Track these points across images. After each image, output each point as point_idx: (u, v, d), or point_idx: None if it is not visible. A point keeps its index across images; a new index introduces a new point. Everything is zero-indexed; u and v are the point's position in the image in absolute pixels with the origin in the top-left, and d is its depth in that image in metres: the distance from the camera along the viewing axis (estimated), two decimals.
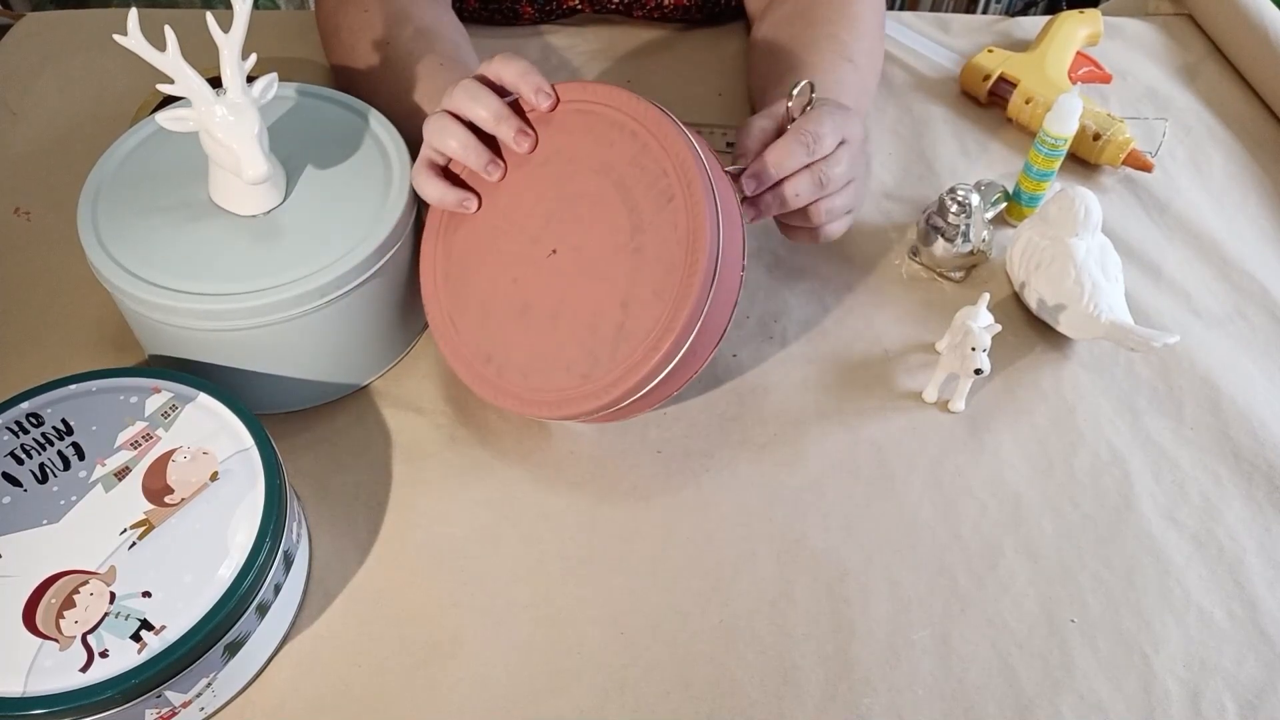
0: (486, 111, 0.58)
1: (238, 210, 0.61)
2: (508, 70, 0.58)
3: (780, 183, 0.60)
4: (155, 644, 0.47)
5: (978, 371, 0.61)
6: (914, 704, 0.53)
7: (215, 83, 0.57)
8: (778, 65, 0.74)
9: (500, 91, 0.59)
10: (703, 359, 0.58)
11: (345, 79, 0.75)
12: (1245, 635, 0.56)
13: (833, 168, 0.60)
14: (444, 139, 0.59)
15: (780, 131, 0.62)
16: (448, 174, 0.61)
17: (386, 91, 0.71)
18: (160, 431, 0.54)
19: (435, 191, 0.60)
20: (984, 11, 1.62)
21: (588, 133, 0.58)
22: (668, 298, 0.53)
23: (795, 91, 0.61)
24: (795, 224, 0.64)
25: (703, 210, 0.53)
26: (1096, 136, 0.79)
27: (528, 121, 0.59)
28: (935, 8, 1.67)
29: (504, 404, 0.58)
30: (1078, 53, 0.87)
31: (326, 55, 0.79)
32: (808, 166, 0.60)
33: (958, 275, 0.73)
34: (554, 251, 0.57)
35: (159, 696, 0.48)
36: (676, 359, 0.54)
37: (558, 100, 0.58)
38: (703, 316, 0.54)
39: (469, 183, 0.61)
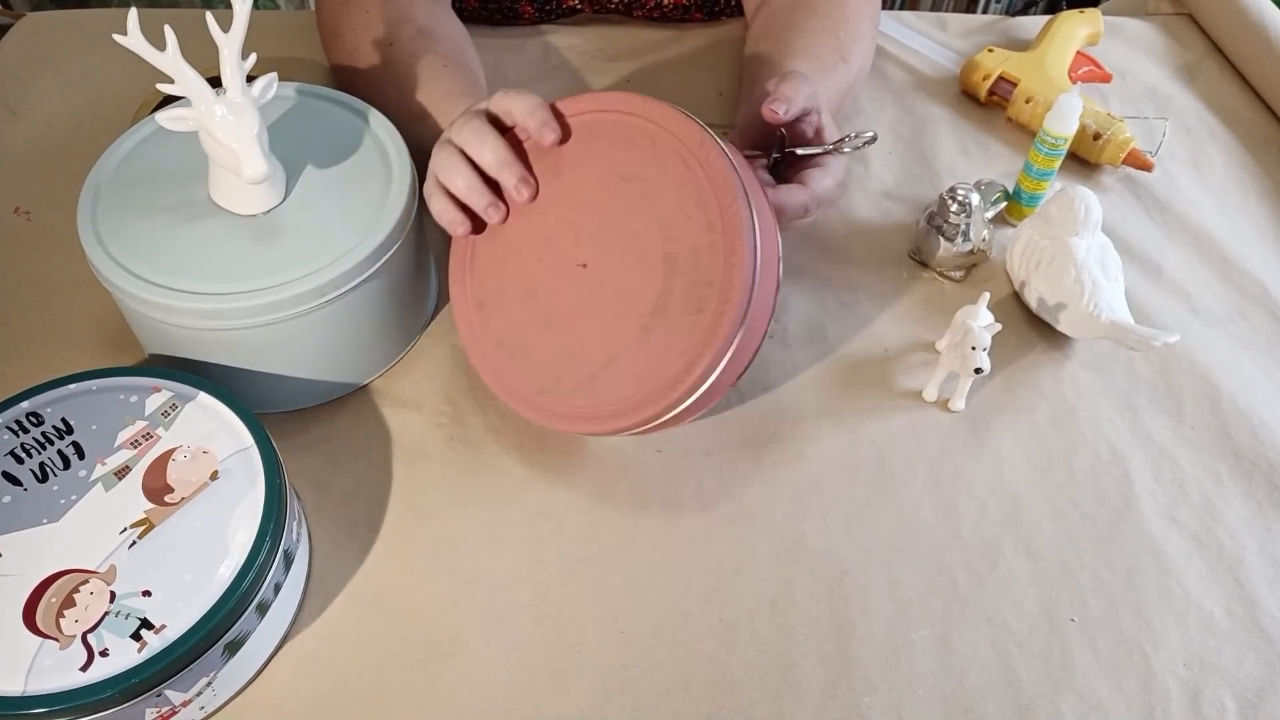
0: (491, 156, 0.58)
1: (237, 210, 0.61)
2: (516, 106, 0.58)
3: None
4: (155, 643, 0.47)
5: (978, 371, 0.61)
6: (914, 704, 0.53)
7: (215, 82, 0.57)
8: (775, 49, 0.74)
9: (505, 125, 0.60)
10: (734, 377, 0.57)
11: (347, 80, 0.75)
12: (1245, 635, 0.56)
13: (822, 204, 0.63)
14: (451, 177, 0.59)
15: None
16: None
17: (389, 93, 0.71)
18: (160, 431, 0.54)
19: (438, 206, 0.60)
20: (984, 11, 1.62)
21: (587, 140, 0.58)
22: (718, 250, 0.53)
23: (859, 143, 0.63)
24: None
25: (718, 159, 0.53)
26: (1097, 136, 0.79)
27: (530, 169, 0.59)
28: (935, 8, 1.67)
29: (577, 429, 0.56)
30: (1078, 52, 0.87)
31: (328, 57, 0.79)
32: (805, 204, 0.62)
33: (958, 275, 0.73)
34: (584, 265, 0.57)
35: (159, 696, 0.48)
36: (748, 308, 0.53)
37: (563, 137, 0.58)
38: (739, 337, 0.53)
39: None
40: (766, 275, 0.54)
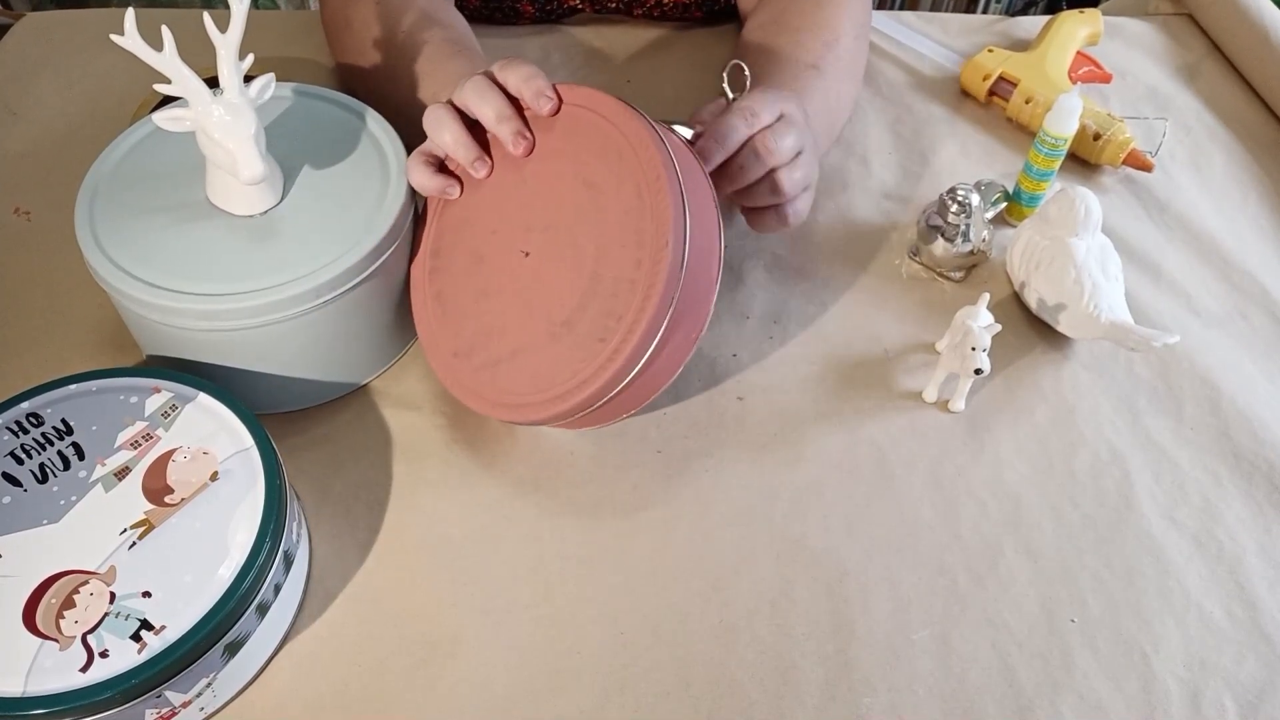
0: (491, 110, 0.58)
1: (235, 210, 0.60)
2: (512, 74, 0.58)
3: (728, 160, 0.61)
4: (155, 644, 0.47)
5: (978, 371, 0.61)
6: (914, 704, 0.53)
7: (214, 83, 0.57)
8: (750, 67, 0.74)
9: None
10: (680, 357, 0.57)
11: (356, 73, 0.75)
12: (1245, 635, 0.56)
13: (778, 140, 0.62)
14: (439, 132, 0.60)
15: None
16: (442, 167, 0.62)
17: (401, 81, 0.71)
18: (160, 431, 0.54)
19: (419, 178, 0.61)
20: (984, 11, 1.62)
21: (570, 133, 0.58)
22: (637, 290, 0.53)
23: (726, 72, 0.62)
24: (760, 205, 0.65)
25: (667, 204, 0.53)
26: (1096, 136, 0.79)
27: (529, 125, 0.59)
28: (935, 8, 1.67)
29: (469, 402, 0.58)
30: (1078, 52, 0.87)
31: (334, 51, 0.79)
32: (750, 139, 0.61)
33: (958, 275, 0.73)
34: (527, 254, 0.58)
35: (159, 696, 0.48)
36: (647, 354, 0.53)
37: (560, 104, 0.59)
38: (669, 315, 0.53)
39: (462, 179, 0.62)
40: (684, 320, 0.55)
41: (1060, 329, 0.68)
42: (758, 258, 0.74)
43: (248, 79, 0.58)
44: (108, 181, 0.62)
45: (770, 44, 0.76)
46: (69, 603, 0.48)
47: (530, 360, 0.56)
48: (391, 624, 0.56)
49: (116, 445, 0.53)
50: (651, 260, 0.53)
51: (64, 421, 0.54)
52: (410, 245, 0.64)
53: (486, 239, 0.60)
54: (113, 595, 0.48)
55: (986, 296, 0.63)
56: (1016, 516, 0.61)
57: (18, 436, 0.54)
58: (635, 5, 0.91)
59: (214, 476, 0.53)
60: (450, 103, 0.60)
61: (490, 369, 0.58)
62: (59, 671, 0.46)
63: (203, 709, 0.51)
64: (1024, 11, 1.39)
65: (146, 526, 0.51)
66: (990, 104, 0.87)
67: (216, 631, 0.48)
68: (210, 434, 0.54)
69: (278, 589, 0.52)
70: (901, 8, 1.63)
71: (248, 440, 0.54)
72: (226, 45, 0.56)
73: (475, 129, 0.60)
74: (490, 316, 0.59)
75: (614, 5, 0.91)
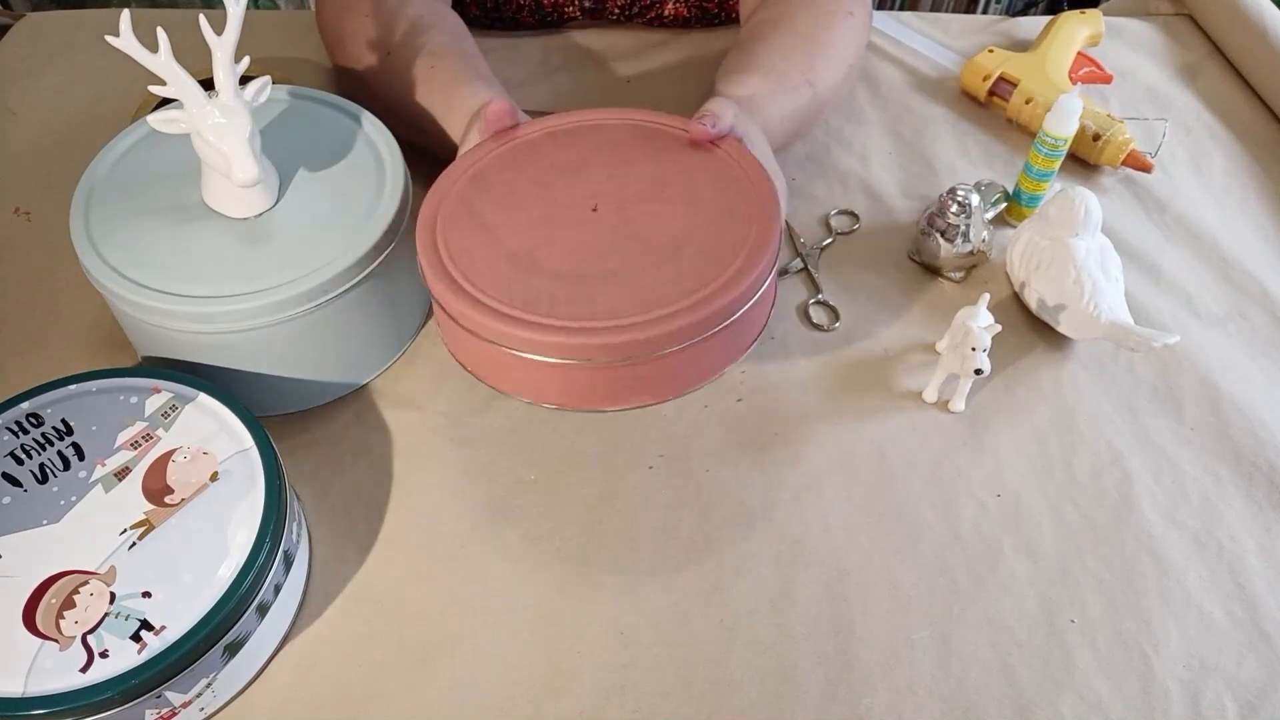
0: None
1: (230, 213, 0.60)
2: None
3: None
4: (155, 644, 0.47)
5: (978, 371, 0.61)
6: (914, 704, 0.53)
7: (212, 84, 0.57)
8: (742, 61, 0.73)
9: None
10: (725, 358, 0.56)
11: (353, 84, 0.75)
12: (1245, 635, 0.56)
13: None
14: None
15: None
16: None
17: (394, 93, 0.71)
18: (160, 432, 0.54)
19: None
20: (984, 11, 1.62)
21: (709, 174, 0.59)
22: (748, 237, 0.54)
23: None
24: None
25: (774, 214, 0.55)
26: (1096, 137, 0.79)
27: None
28: (935, 8, 1.67)
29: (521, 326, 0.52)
30: (1078, 53, 0.87)
31: (330, 59, 0.79)
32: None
33: (958, 275, 0.73)
34: (595, 208, 0.56)
35: (159, 697, 0.48)
36: (765, 284, 0.54)
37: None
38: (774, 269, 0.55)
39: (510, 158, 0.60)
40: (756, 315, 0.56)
41: (1060, 329, 0.68)
42: None
43: (244, 81, 0.58)
44: (103, 183, 0.62)
45: (775, 43, 0.75)
46: (69, 603, 0.48)
47: (632, 282, 0.52)
48: (391, 624, 0.56)
49: (116, 445, 0.53)
50: (761, 225, 0.54)
51: (64, 422, 0.54)
52: (406, 248, 0.64)
53: (550, 178, 0.58)
54: (113, 595, 0.48)
55: (986, 296, 0.63)
56: (1016, 517, 0.61)
57: (18, 437, 0.54)
58: (635, 16, 0.91)
59: (214, 477, 0.53)
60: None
61: (567, 292, 0.52)
62: (59, 672, 0.46)
63: (203, 709, 0.51)
64: (1024, 12, 1.39)
65: (146, 527, 0.51)
66: (990, 104, 0.87)
67: (216, 631, 0.48)
68: (210, 434, 0.54)
69: (278, 589, 0.52)
70: (901, 8, 1.63)
71: (248, 440, 0.54)
72: (222, 47, 0.56)
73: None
74: (560, 245, 0.55)
75: (614, 16, 0.91)
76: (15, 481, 0.52)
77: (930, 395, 0.66)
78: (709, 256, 0.53)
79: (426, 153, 0.71)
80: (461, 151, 0.62)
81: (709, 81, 0.86)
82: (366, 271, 0.59)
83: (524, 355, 0.51)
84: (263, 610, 0.51)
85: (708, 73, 0.87)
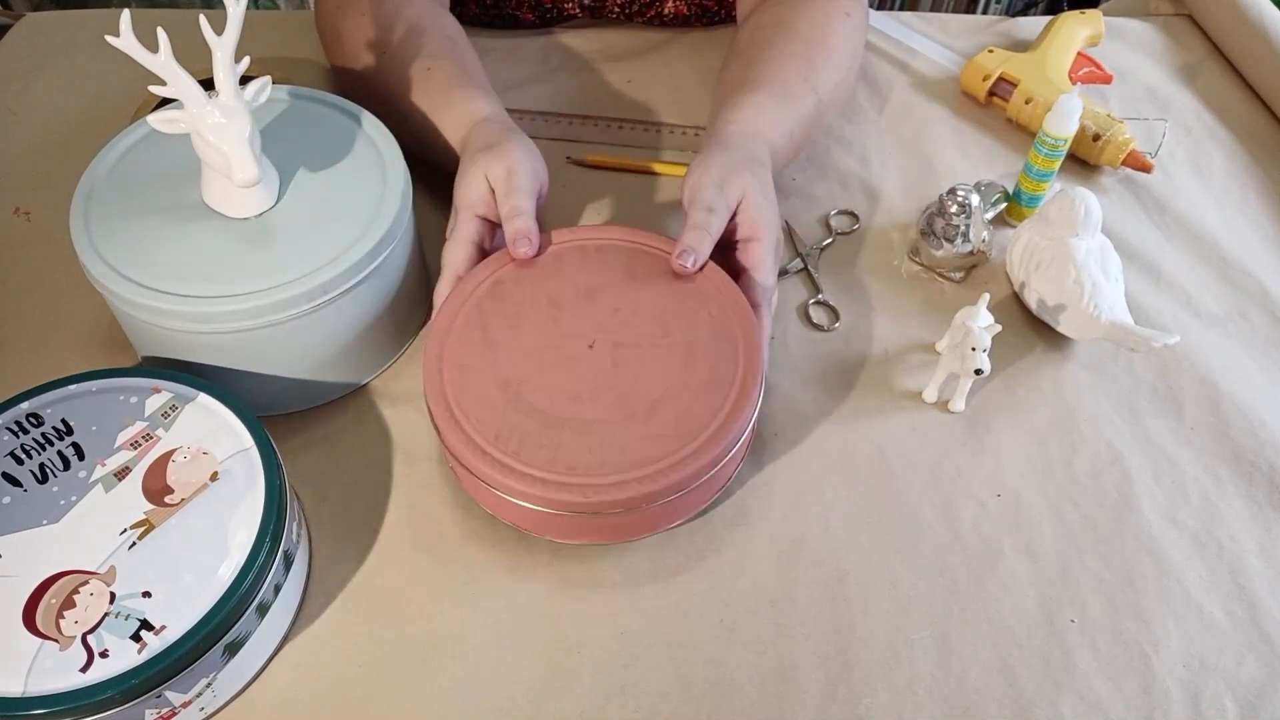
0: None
1: (230, 213, 0.60)
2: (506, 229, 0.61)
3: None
4: (155, 644, 0.47)
5: (978, 371, 0.61)
6: (914, 704, 0.53)
7: (212, 84, 0.57)
8: (744, 73, 0.73)
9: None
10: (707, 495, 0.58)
11: (351, 83, 0.75)
12: (1245, 635, 0.56)
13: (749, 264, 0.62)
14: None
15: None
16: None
17: (391, 92, 0.71)
18: (160, 431, 0.54)
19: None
20: (984, 11, 1.62)
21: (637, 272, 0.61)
22: (729, 395, 0.56)
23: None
24: None
25: (757, 348, 0.58)
26: (1096, 137, 0.79)
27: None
28: (935, 8, 1.67)
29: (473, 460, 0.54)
30: (1078, 53, 0.87)
31: (329, 60, 0.79)
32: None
33: (958, 275, 0.73)
34: (591, 345, 0.58)
35: (159, 696, 0.48)
36: (737, 444, 0.56)
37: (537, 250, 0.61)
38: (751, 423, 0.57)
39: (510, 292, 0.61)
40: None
41: (1060, 329, 0.68)
42: None
43: (244, 81, 0.58)
44: (103, 183, 0.62)
45: (775, 47, 0.75)
46: (69, 603, 0.48)
47: (599, 438, 0.54)
48: (391, 624, 0.56)
49: (116, 445, 0.53)
50: (739, 396, 0.56)
51: (64, 422, 0.54)
52: (406, 248, 0.64)
53: (553, 317, 0.60)
54: (113, 595, 0.48)
55: (986, 297, 0.63)
56: (1016, 517, 0.61)
57: (18, 437, 0.54)
58: (635, 15, 0.91)
59: (214, 477, 0.53)
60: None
61: (546, 429, 0.55)
62: (59, 671, 0.46)
63: (203, 709, 0.51)
64: (1024, 12, 1.39)
65: (146, 527, 0.51)
66: (990, 104, 0.87)
67: (216, 631, 0.48)
68: (210, 434, 0.54)
69: (278, 589, 0.52)
70: (901, 8, 1.63)
71: (248, 440, 0.54)
72: (222, 47, 0.56)
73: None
74: (546, 384, 0.57)
75: (614, 14, 0.91)
76: (15, 481, 0.52)
77: (930, 395, 0.66)
78: (680, 425, 0.55)
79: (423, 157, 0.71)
80: (458, 178, 0.63)
81: (709, 83, 0.87)
82: (366, 271, 0.59)
83: (484, 484, 0.55)
84: (263, 610, 0.51)
85: (708, 74, 0.88)
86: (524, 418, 0.55)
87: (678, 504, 0.55)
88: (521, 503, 0.54)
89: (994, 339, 0.61)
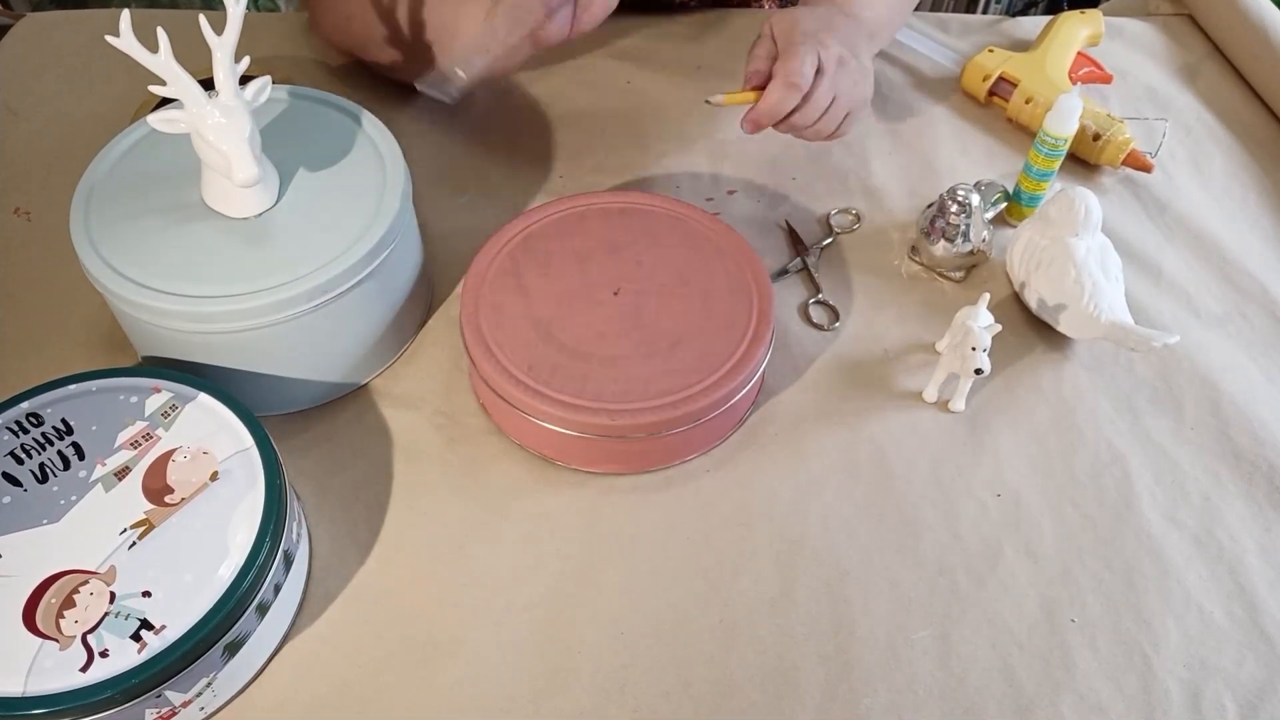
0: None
1: (230, 212, 0.60)
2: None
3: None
4: (155, 644, 0.47)
5: (978, 371, 0.61)
6: (914, 704, 0.53)
7: (212, 84, 0.57)
8: None
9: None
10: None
11: (353, 30, 0.76)
12: (1245, 635, 0.56)
13: (819, 100, 0.65)
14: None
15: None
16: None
17: (395, 18, 0.72)
18: (160, 431, 0.54)
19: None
20: (984, 11, 1.62)
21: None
22: (745, 333, 0.61)
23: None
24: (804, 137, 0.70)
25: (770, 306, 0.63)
26: (1096, 137, 0.79)
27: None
28: (935, 8, 1.67)
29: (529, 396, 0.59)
30: (1078, 53, 0.87)
31: (320, 26, 0.80)
32: (790, 115, 0.65)
33: (958, 275, 0.73)
34: (616, 292, 0.63)
35: (159, 696, 0.48)
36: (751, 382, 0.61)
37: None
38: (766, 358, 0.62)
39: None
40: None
41: (1060, 329, 0.68)
42: None
43: (244, 81, 0.58)
44: (103, 183, 0.62)
45: None
46: (69, 602, 0.48)
47: (624, 370, 0.59)
48: (391, 624, 0.56)
49: (116, 445, 0.53)
50: (752, 342, 0.61)
51: (64, 421, 0.54)
52: (406, 248, 0.64)
53: (587, 266, 0.65)
54: (113, 595, 0.48)
55: (986, 296, 0.63)
56: (1016, 516, 0.61)
57: (18, 436, 0.54)
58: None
59: (214, 476, 0.53)
60: None
61: (575, 362, 0.59)
62: (59, 671, 0.46)
63: (203, 709, 0.51)
64: (1024, 12, 1.39)
65: (146, 526, 0.51)
66: (990, 104, 0.87)
67: (216, 631, 0.48)
68: (210, 434, 0.54)
69: (278, 589, 0.52)
70: None
71: (248, 440, 0.54)
72: (222, 48, 0.56)
73: None
74: (580, 323, 0.61)
75: None
76: (15, 481, 0.52)
77: (930, 395, 0.66)
78: (699, 361, 0.60)
79: (424, 152, 0.70)
80: (488, 41, 0.66)
81: (709, 84, 0.87)
82: (367, 271, 0.59)
83: (517, 410, 0.59)
84: (263, 610, 0.51)
85: (708, 74, 0.88)
86: (554, 352, 0.60)
87: (694, 433, 0.60)
88: (552, 426, 0.58)
89: (994, 339, 0.61)
